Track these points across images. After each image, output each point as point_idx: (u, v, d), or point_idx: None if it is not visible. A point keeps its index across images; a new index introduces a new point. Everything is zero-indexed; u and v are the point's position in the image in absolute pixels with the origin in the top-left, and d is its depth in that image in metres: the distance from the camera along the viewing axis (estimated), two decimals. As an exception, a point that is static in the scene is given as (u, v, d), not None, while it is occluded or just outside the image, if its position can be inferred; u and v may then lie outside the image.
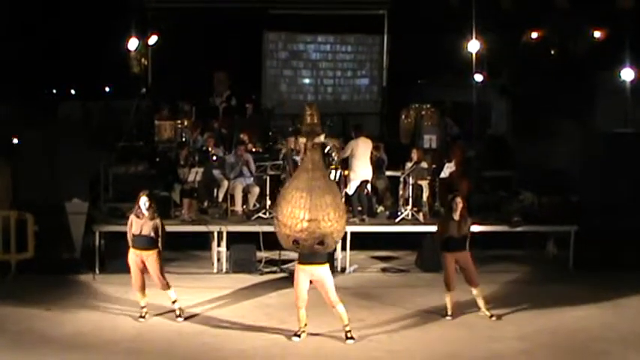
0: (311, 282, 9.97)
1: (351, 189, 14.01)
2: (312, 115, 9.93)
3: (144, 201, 10.49)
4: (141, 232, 10.50)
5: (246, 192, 14.27)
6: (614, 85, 16.92)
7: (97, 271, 12.97)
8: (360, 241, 13.80)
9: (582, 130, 15.90)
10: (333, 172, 13.84)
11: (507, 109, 20.22)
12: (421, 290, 12.26)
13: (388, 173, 15.44)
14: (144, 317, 10.74)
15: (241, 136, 15.81)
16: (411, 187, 14.13)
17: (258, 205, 14.40)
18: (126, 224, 10.84)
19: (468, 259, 10.94)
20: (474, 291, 10.99)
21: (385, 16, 20.73)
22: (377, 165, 14.79)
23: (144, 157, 16.62)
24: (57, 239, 13.15)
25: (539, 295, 12.08)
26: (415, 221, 13.94)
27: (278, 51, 21.09)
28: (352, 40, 21.26)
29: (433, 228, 12.06)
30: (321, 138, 10.06)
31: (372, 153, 14.39)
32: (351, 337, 9.96)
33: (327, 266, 10.00)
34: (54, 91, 21.87)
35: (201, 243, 13.98)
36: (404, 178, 14.39)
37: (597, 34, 18.17)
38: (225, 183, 14.28)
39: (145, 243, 10.52)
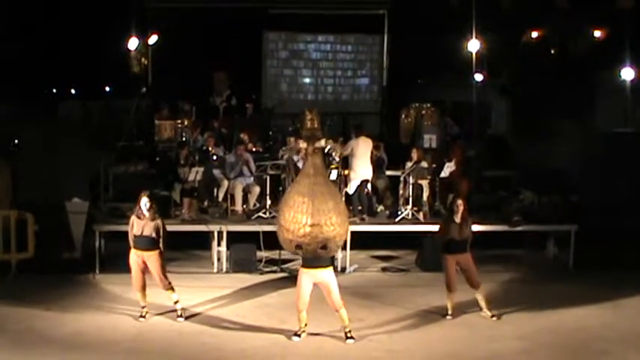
0: (315, 285, 9.98)
1: (351, 188, 14.03)
2: (312, 119, 9.95)
3: (144, 202, 10.48)
4: (142, 232, 10.49)
5: (246, 191, 14.26)
6: (614, 84, 16.94)
7: (97, 270, 12.96)
8: (361, 241, 13.77)
9: (582, 130, 15.91)
10: (334, 171, 13.83)
11: (507, 108, 20.23)
12: (421, 290, 12.26)
13: (388, 173, 15.46)
14: (144, 317, 10.73)
15: (241, 135, 15.80)
16: (411, 187, 14.12)
17: (258, 205, 14.40)
18: (126, 224, 10.85)
19: (469, 261, 10.93)
20: (477, 293, 10.98)
21: (385, 15, 20.75)
22: (377, 164, 14.80)
23: (144, 157, 16.62)
24: (57, 239, 13.15)
25: (539, 294, 12.07)
26: (415, 221, 13.94)
27: (278, 50, 21.09)
28: (352, 40, 21.26)
29: (433, 227, 12.06)
30: (322, 143, 10.09)
31: (372, 152, 14.40)
32: (351, 337, 9.97)
33: (331, 269, 10.01)
34: (54, 90, 21.91)
35: (201, 242, 13.97)
36: (404, 178, 14.39)
37: (597, 33, 18.15)
38: (226, 182, 14.27)
39: (147, 244, 10.51)
